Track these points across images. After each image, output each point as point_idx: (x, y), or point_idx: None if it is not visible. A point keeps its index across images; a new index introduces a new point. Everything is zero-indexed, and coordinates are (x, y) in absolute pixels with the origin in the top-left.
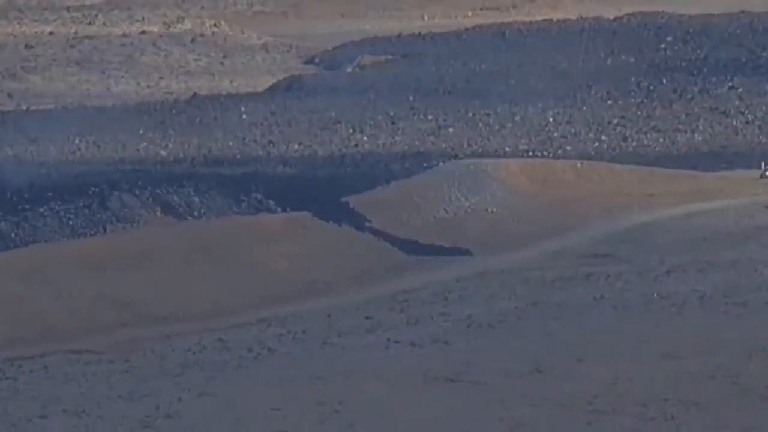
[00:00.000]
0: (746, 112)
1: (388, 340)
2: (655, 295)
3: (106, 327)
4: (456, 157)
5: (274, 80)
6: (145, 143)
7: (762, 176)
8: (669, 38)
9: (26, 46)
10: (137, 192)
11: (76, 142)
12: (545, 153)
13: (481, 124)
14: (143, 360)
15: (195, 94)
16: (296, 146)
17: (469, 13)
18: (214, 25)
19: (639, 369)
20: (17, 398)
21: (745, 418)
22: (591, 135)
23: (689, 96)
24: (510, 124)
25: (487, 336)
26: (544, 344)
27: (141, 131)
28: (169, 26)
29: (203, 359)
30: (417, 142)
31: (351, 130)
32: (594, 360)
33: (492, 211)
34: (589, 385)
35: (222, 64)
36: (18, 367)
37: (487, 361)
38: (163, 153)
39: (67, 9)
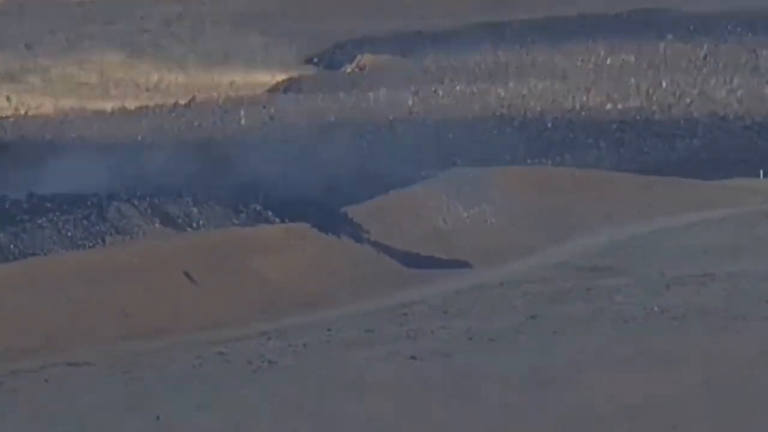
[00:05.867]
0: (745, 116)
1: (388, 353)
2: (655, 308)
3: (106, 339)
4: (455, 164)
5: (274, 81)
6: (143, 149)
7: None
8: (669, 36)
9: (26, 45)
10: (136, 202)
11: (75, 149)
12: (544, 160)
13: (480, 129)
14: (143, 373)
15: (194, 97)
16: (295, 152)
17: (470, 10)
18: (215, 23)
19: (639, 381)
20: (18, 411)
21: (744, 428)
22: (590, 141)
23: (688, 100)
24: (509, 129)
25: (487, 349)
26: (543, 357)
27: (139, 136)
28: (170, 25)
29: (203, 372)
30: (416, 149)
31: (350, 136)
32: (593, 373)
33: (491, 222)
34: (588, 398)
35: (222, 64)
36: (19, 380)
37: (487, 374)
38: (161, 159)
39: (68, 5)
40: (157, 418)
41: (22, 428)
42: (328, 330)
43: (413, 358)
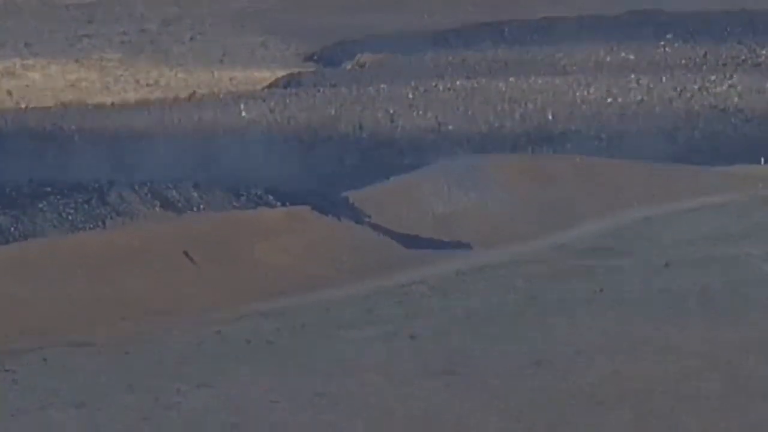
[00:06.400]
0: (745, 110)
1: (388, 333)
2: (655, 290)
3: (106, 320)
4: (456, 154)
5: (273, 78)
6: (143, 142)
7: None
8: (669, 35)
9: (26, 44)
10: (136, 186)
11: (75, 140)
12: (545, 150)
13: (480, 122)
14: (142, 353)
15: (194, 92)
16: (295, 144)
17: (470, 8)
18: (214, 22)
19: (638, 364)
20: (17, 390)
21: (744, 412)
22: (591, 132)
23: (689, 94)
24: (509, 123)
25: (487, 330)
26: (543, 339)
27: (140, 130)
28: (169, 24)
29: (202, 352)
30: (416, 141)
31: (350, 128)
32: (593, 354)
33: (492, 208)
34: (588, 380)
35: (221, 61)
36: (17, 360)
37: (487, 355)
38: (161, 152)
39: (67, 7)
40: (156, 399)
41: (21, 408)
42: (327, 310)
43: (412, 338)
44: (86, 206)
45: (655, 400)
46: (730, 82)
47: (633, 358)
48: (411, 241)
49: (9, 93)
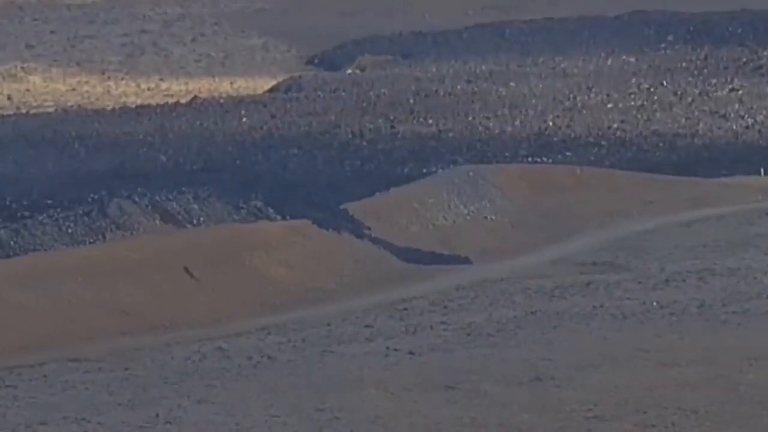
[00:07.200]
0: (746, 115)
1: (388, 348)
2: (655, 303)
3: (106, 335)
4: (456, 162)
5: (274, 81)
6: (144, 148)
7: None
8: (670, 37)
9: (26, 46)
10: (136, 199)
11: (76, 146)
12: (545, 158)
13: (481, 128)
14: (143, 368)
15: (195, 96)
16: (296, 150)
17: (470, 12)
18: (215, 24)
19: (638, 377)
20: (17, 406)
21: (745, 426)
22: (591, 139)
23: (689, 99)
24: (510, 129)
25: (487, 344)
26: (543, 353)
27: (141, 135)
28: (170, 25)
29: (203, 367)
30: (417, 147)
31: (350, 135)
32: (593, 368)
33: (491, 219)
34: (588, 393)
35: (222, 64)
36: (17, 375)
37: (487, 370)
38: (162, 158)
39: (68, 7)
40: (157, 415)
41: (22, 424)
42: (328, 325)
43: (412, 353)
44: (86, 218)
45: (656, 414)
46: (731, 86)
47: (633, 371)
48: (411, 255)
49: (9, 98)
